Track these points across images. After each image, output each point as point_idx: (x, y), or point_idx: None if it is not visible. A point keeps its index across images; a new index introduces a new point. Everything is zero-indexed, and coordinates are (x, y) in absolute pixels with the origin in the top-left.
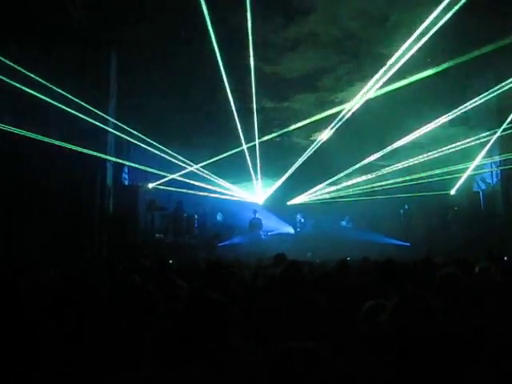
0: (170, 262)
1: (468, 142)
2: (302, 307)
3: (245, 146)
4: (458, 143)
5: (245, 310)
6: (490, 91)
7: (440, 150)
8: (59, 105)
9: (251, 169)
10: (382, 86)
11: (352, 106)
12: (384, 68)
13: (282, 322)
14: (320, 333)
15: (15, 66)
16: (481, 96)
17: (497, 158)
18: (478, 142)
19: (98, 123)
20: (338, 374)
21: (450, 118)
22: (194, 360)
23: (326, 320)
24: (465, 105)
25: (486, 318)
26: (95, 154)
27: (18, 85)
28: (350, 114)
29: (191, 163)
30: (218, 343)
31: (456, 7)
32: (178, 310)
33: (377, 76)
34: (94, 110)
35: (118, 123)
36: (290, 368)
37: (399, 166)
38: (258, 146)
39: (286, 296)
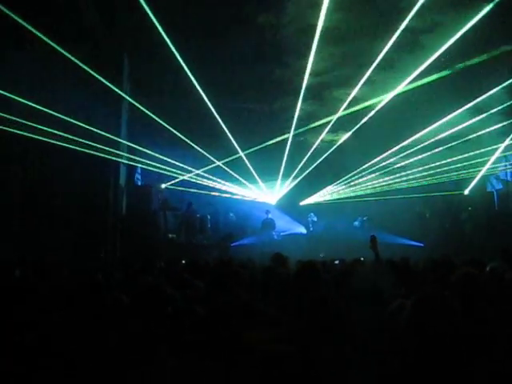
0: (183, 261)
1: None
2: (320, 306)
3: (258, 147)
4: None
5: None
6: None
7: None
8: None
9: (265, 169)
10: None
11: (368, 105)
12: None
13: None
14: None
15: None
16: (495, 89)
17: (511, 158)
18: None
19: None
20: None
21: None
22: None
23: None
24: (479, 98)
25: (501, 316)
26: (109, 152)
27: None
28: (364, 114)
29: (210, 161)
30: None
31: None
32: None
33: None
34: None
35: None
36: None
37: (410, 164)
38: (270, 147)
39: (303, 295)
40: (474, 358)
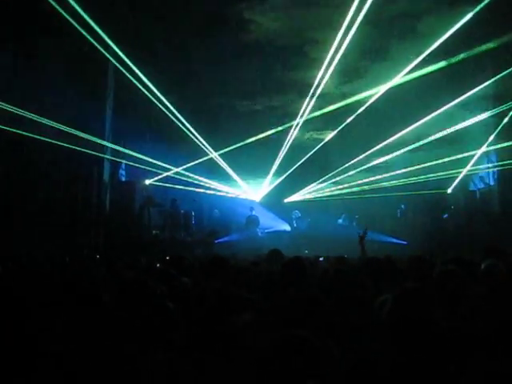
0: (167, 258)
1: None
2: (307, 303)
3: (241, 144)
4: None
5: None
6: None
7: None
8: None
9: (248, 166)
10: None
11: (353, 102)
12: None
13: (287, 316)
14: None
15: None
16: (478, 88)
17: (493, 158)
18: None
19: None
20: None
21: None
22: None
23: (329, 315)
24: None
25: (487, 314)
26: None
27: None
28: (350, 111)
29: (195, 156)
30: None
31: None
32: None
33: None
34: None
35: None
36: (285, 355)
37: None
38: (254, 144)
39: (290, 291)
40: (455, 353)
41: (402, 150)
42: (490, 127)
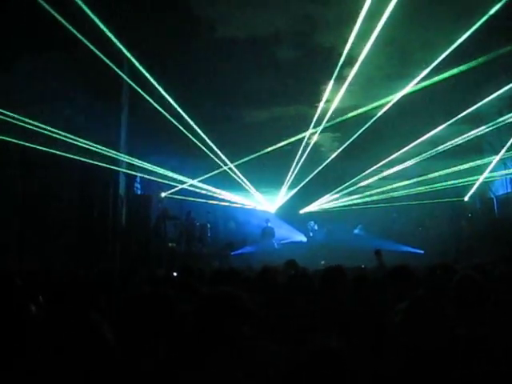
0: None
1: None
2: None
3: (256, 154)
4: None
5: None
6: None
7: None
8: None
9: (263, 177)
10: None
11: (368, 110)
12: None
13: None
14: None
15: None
16: (492, 96)
17: (510, 164)
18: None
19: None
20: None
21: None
22: (212, 360)
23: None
24: (475, 106)
25: (505, 321)
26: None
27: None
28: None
29: (210, 168)
30: (237, 340)
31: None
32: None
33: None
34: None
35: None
36: (316, 368)
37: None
38: (269, 155)
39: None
40: (468, 361)
41: (419, 160)
42: (506, 133)
